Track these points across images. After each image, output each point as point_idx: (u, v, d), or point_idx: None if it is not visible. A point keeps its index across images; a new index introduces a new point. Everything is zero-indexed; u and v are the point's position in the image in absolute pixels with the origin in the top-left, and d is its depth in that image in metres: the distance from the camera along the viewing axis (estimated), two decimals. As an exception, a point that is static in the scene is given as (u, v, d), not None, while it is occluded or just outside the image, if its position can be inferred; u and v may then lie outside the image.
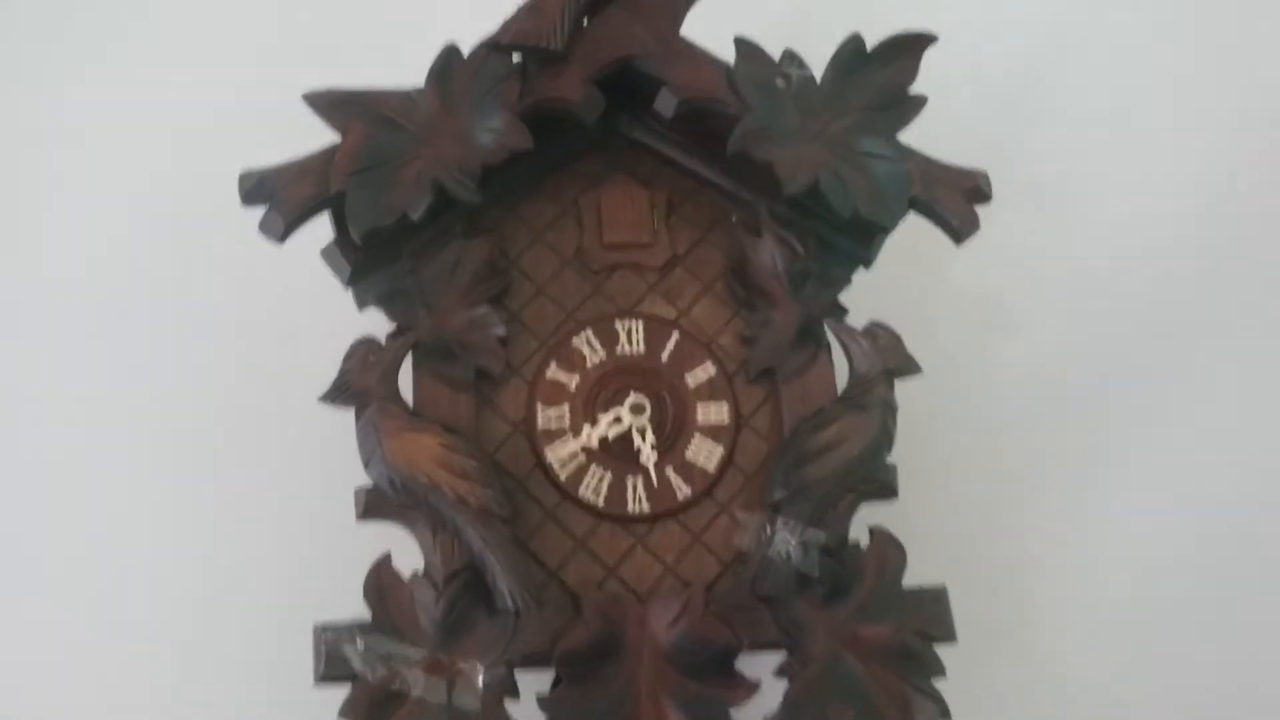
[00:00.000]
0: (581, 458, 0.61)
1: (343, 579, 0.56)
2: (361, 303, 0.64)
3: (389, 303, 0.61)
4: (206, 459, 0.72)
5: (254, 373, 0.74)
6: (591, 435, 0.60)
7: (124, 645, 0.68)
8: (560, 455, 0.60)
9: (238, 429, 0.73)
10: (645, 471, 0.60)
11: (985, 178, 0.63)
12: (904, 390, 0.62)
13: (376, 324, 0.62)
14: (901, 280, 0.72)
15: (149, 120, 0.81)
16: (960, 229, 0.61)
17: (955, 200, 0.61)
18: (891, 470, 0.61)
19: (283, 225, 0.56)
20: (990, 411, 0.77)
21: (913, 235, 0.63)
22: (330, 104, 0.59)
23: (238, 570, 0.70)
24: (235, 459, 0.72)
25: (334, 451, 0.60)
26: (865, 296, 0.65)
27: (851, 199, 0.60)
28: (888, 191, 0.61)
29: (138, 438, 0.73)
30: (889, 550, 0.59)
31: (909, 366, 0.62)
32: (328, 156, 0.58)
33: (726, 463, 0.62)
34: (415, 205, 0.58)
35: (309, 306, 0.70)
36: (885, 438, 0.60)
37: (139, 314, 0.77)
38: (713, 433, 0.62)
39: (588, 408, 0.62)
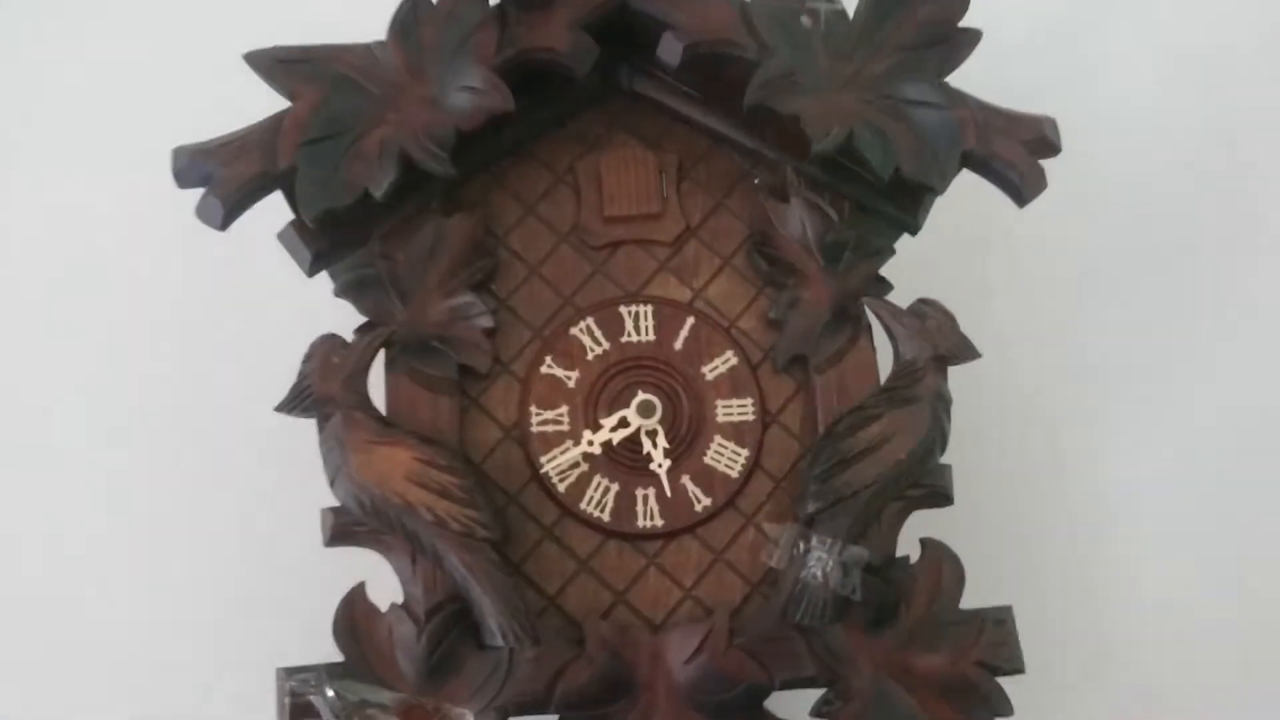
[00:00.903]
0: (583, 466, 0.54)
1: (311, 613, 0.50)
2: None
3: (357, 293, 0.54)
4: (149, 467, 0.66)
5: (214, 376, 0.66)
6: (594, 440, 0.53)
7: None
8: (559, 464, 0.53)
9: (180, 435, 0.66)
10: (657, 481, 0.53)
11: (1053, 125, 0.54)
12: (955, 378, 0.54)
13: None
14: (952, 250, 0.63)
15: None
16: (1024, 187, 0.53)
17: (1017, 154, 0.53)
18: (945, 473, 0.53)
19: (222, 211, 0.49)
20: (1057, 402, 0.69)
21: (965, 196, 0.54)
22: (275, 64, 0.51)
23: (186, 610, 0.63)
24: (177, 469, 0.65)
25: (299, 462, 0.53)
26: (909, 270, 0.57)
27: (893, 156, 0.52)
28: (936, 145, 0.53)
29: (81, 456, 0.67)
30: (944, 566, 0.52)
31: (964, 351, 0.54)
32: (274, 127, 0.50)
33: (752, 468, 0.54)
34: (379, 181, 0.50)
35: (280, 297, 0.62)
36: (938, 435, 0.53)
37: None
38: (735, 433, 0.54)
39: (589, 408, 0.54)
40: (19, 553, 0.65)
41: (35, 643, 0.62)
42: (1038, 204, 0.53)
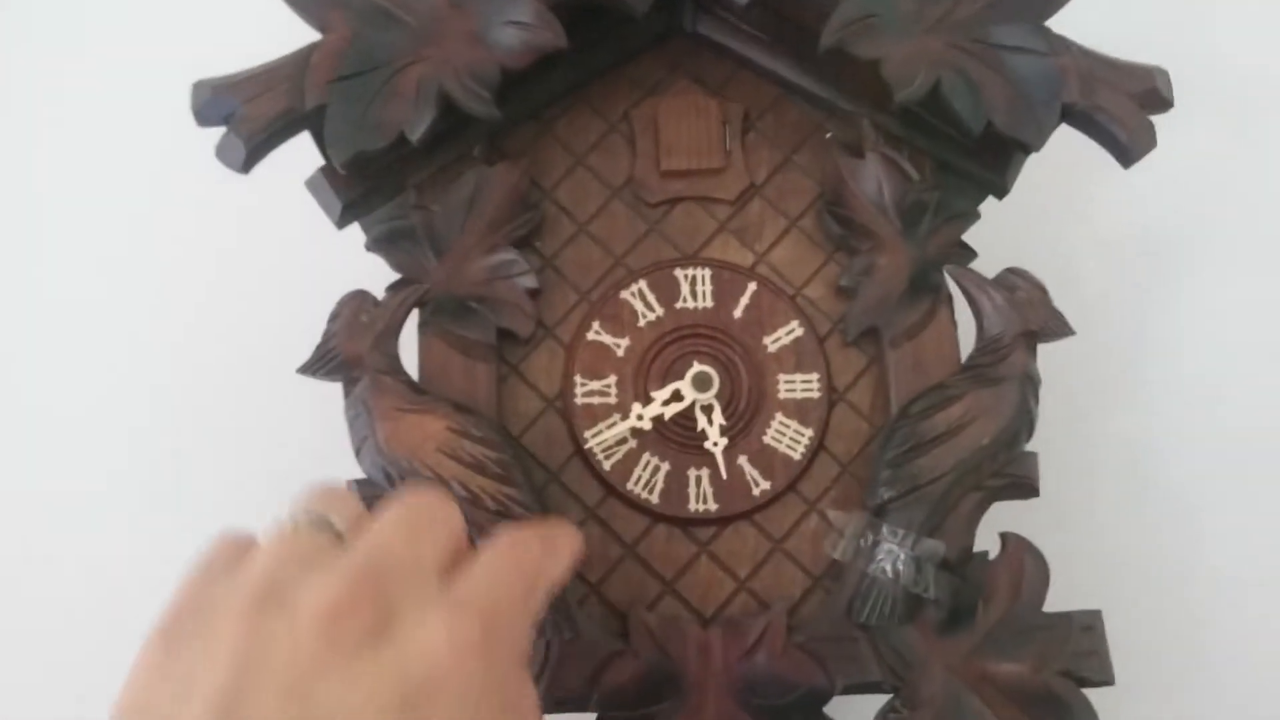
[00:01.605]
0: (631, 443, 0.49)
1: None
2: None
3: (389, 246, 0.50)
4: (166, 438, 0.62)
5: (232, 335, 0.62)
6: (645, 414, 0.48)
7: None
8: (605, 439, 0.48)
9: (198, 400, 0.62)
10: (712, 461, 0.48)
11: (1165, 77, 0.48)
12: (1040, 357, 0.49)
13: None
14: (1037, 216, 0.57)
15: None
16: (1131, 146, 0.47)
17: (1125, 108, 0.47)
18: (1031, 461, 0.48)
19: (244, 151, 0.44)
20: (1151, 385, 0.63)
21: (1055, 154, 0.49)
22: (306, -8, 0.46)
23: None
24: (193, 440, 0.61)
25: (323, 432, 0.49)
26: (989, 237, 0.52)
27: (984, 107, 0.47)
28: (1034, 97, 0.47)
29: (91, 422, 0.63)
30: (1026, 564, 0.47)
31: (1057, 327, 0.49)
32: (302, 61, 0.45)
33: (816, 449, 0.49)
34: (415, 122, 0.45)
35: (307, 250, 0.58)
36: (1025, 419, 0.48)
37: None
38: (798, 411, 0.49)
39: (640, 379, 0.49)
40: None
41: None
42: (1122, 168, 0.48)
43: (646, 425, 0.48)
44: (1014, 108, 0.47)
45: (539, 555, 0.38)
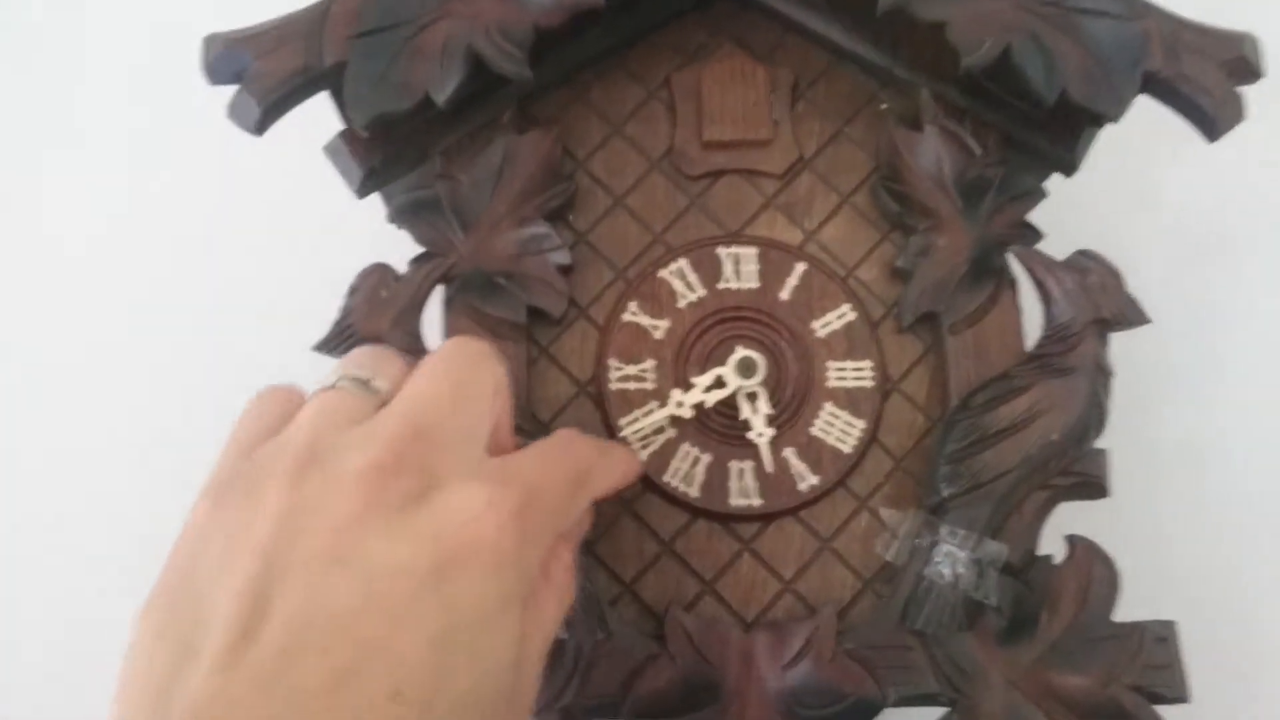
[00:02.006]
0: (670, 432, 0.45)
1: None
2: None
3: (412, 218, 0.46)
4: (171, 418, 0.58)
5: (245, 306, 0.59)
6: (684, 401, 0.44)
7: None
8: (641, 428, 0.45)
9: (211, 375, 0.58)
10: (756, 453, 0.45)
11: (1253, 44, 0.44)
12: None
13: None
14: (1099, 196, 0.53)
15: None
16: (1217, 118, 0.43)
17: (1213, 77, 0.43)
18: (1100, 459, 0.45)
19: (259, 110, 0.41)
20: (1220, 380, 0.59)
21: (1116, 131, 0.45)
22: (324, -60, 0.43)
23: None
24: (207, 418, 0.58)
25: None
26: (1039, 220, 0.48)
27: (1059, 75, 0.43)
28: (1112, 64, 0.43)
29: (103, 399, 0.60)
30: (1095, 569, 0.44)
31: (1131, 315, 0.45)
32: (320, 14, 0.42)
33: (868, 442, 0.46)
34: (442, 83, 0.42)
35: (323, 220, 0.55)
36: (1095, 414, 0.44)
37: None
38: (849, 401, 0.46)
39: (679, 364, 0.46)
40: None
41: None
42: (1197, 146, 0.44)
43: (687, 413, 0.44)
44: (1090, 76, 0.43)
45: (593, 457, 0.38)
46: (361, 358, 0.36)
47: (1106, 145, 0.47)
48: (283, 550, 0.29)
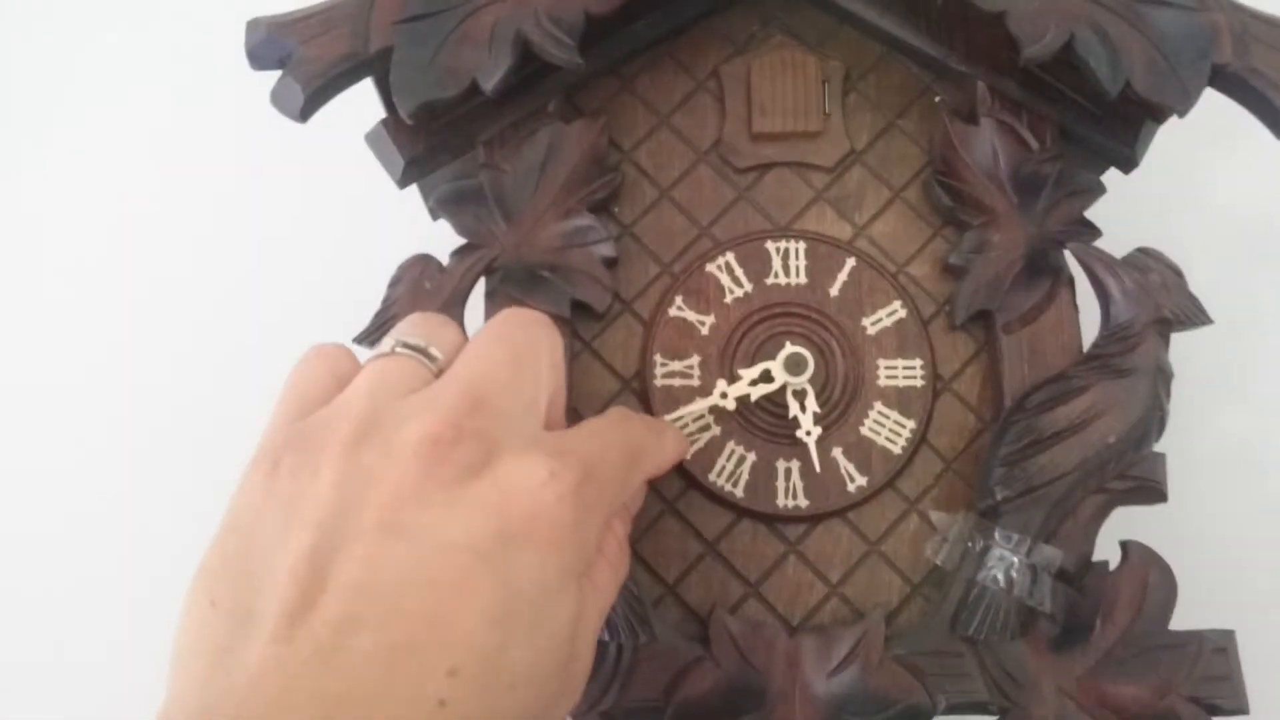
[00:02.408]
0: (715, 430, 0.44)
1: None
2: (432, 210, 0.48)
3: (455, 208, 0.45)
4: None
5: (284, 299, 0.58)
6: (729, 392, 0.43)
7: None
8: (682, 418, 0.44)
9: (248, 365, 0.57)
10: (803, 452, 0.44)
11: (1325, 36, 0.43)
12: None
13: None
14: (1147, 194, 0.52)
15: None
16: (1289, 113, 0.42)
17: (1284, 70, 0.42)
18: (1159, 463, 0.43)
19: (303, 97, 0.40)
20: (1276, 382, 0.57)
21: (1170, 129, 0.44)
22: (371, -76, 0.42)
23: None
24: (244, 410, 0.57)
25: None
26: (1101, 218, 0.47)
27: (1123, 68, 0.42)
28: (1179, 56, 0.42)
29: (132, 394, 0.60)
30: (1151, 576, 0.43)
31: (1193, 314, 0.44)
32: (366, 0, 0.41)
33: (918, 443, 0.45)
34: (490, 70, 0.41)
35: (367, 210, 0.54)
36: (1155, 416, 0.43)
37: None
38: (900, 400, 0.45)
39: (725, 360, 0.45)
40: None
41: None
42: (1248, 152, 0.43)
43: (730, 405, 0.43)
44: (1156, 68, 0.42)
45: (646, 435, 0.37)
46: (417, 324, 0.35)
47: (1157, 140, 0.46)
48: (340, 522, 0.29)
